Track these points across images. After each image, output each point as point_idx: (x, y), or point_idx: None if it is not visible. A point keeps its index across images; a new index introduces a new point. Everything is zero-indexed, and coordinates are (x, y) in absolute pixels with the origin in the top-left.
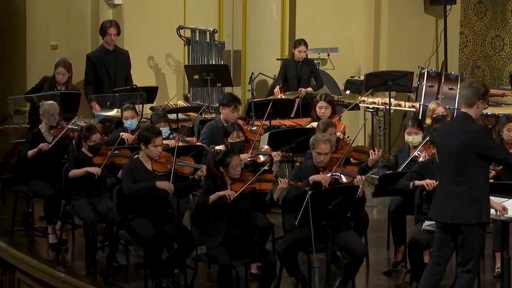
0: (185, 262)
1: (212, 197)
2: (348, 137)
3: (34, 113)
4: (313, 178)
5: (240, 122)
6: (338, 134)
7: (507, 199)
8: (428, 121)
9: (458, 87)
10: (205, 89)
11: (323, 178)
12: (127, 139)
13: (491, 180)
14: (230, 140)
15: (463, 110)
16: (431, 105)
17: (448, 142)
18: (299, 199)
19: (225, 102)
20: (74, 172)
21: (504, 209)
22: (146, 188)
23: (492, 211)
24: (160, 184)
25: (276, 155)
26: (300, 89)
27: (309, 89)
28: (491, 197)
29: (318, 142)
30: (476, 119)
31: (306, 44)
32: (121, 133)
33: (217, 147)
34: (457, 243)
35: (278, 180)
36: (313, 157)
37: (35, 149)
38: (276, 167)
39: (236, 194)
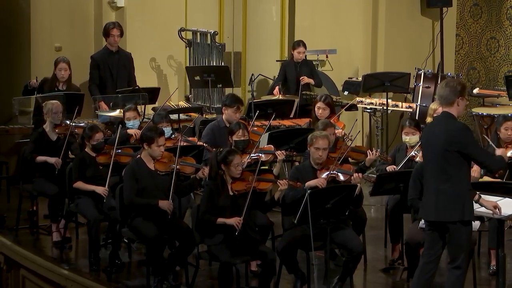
0: (187, 259)
1: (220, 221)
2: (349, 133)
3: (39, 114)
4: (309, 184)
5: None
6: (339, 131)
7: (501, 198)
8: (429, 119)
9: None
10: (206, 90)
11: (319, 182)
12: (134, 134)
13: (488, 179)
14: (235, 138)
15: (444, 109)
16: (433, 105)
17: (432, 141)
18: (296, 204)
19: (228, 103)
20: (79, 185)
21: (496, 208)
22: (147, 205)
23: (486, 210)
24: (162, 204)
25: (280, 154)
26: (302, 77)
27: (311, 80)
28: (483, 196)
29: (316, 138)
30: (459, 116)
31: (305, 46)
32: (128, 130)
33: None
34: (445, 240)
35: (278, 182)
36: (311, 154)
37: (50, 160)
38: (279, 166)
39: (242, 221)
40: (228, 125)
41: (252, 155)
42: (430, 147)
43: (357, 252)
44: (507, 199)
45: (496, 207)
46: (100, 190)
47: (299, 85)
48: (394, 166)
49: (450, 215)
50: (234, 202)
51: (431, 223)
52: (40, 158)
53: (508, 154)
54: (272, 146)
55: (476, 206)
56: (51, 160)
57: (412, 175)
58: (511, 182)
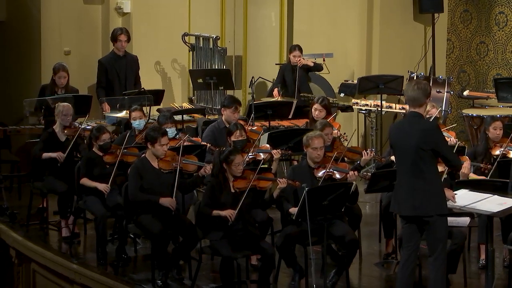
0: (190, 254)
1: (215, 213)
2: (345, 133)
3: (49, 115)
4: (292, 210)
5: (241, 122)
6: (335, 132)
7: (491, 195)
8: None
9: (445, 90)
10: (208, 92)
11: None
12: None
13: (482, 177)
14: (233, 138)
15: (412, 110)
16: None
17: (405, 140)
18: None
19: (226, 104)
20: (84, 182)
21: (453, 197)
22: (150, 201)
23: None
24: (164, 200)
25: (276, 153)
26: (299, 59)
27: (309, 62)
28: (473, 194)
29: (312, 138)
30: (424, 116)
31: (300, 50)
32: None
33: None
34: (422, 231)
35: (278, 180)
36: (309, 154)
37: (53, 155)
38: (275, 165)
39: (235, 214)
40: (227, 125)
41: (249, 154)
42: (403, 147)
43: (353, 246)
44: (495, 196)
45: (453, 196)
46: (102, 187)
47: (296, 86)
48: None
49: (429, 210)
50: (235, 199)
51: (407, 218)
52: (45, 155)
53: (497, 153)
54: (268, 146)
55: None
56: (54, 154)
57: None
58: (500, 180)
